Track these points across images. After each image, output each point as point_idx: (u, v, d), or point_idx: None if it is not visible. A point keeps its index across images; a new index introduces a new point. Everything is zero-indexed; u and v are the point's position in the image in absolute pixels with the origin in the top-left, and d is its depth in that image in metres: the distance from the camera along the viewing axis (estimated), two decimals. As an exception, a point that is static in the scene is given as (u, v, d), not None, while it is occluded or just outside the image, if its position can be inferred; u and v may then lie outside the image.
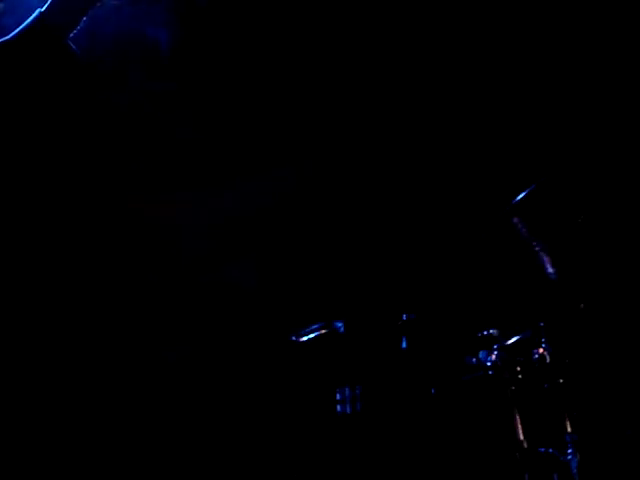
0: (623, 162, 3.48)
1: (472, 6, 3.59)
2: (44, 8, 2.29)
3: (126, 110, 3.53)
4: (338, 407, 3.22)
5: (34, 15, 2.29)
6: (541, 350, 3.05)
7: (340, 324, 3.32)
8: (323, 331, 3.33)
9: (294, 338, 3.36)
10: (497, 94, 3.70)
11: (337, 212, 3.82)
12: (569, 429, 2.91)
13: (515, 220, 3.14)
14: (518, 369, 3.07)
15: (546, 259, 3.14)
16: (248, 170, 3.76)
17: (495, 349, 3.13)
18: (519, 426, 3.00)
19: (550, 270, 3.14)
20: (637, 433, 2.98)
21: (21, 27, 2.29)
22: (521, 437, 2.99)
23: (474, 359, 3.14)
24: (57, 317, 3.51)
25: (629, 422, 3.00)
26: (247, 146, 3.75)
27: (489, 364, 3.11)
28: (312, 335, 3.33)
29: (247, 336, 3.66)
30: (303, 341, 3.34)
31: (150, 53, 3.47)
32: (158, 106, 3.57)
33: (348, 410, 3.21)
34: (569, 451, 2.86)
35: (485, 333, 3.19)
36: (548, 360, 3.03)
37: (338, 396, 3.23)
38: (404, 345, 3.27)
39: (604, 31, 3.55)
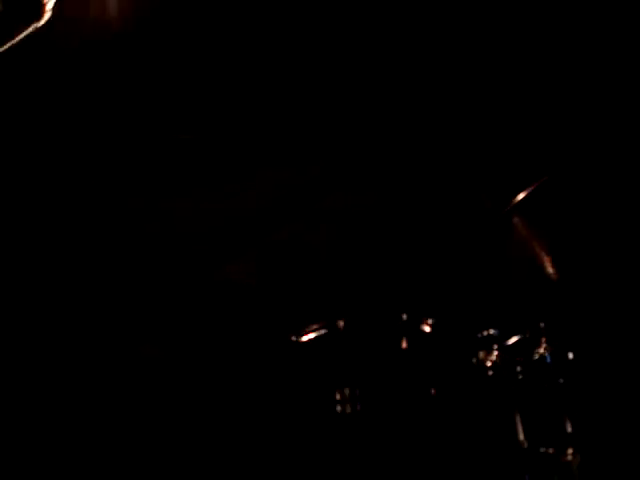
0: (623, 162, 3.48)
1: (472, 6, 3.59)
2: (42, 22, 2.29)
3: (125, 112, 3.53)
4: (338, 407, 3.22)
5: (29, 29, 2.29)
6: (541, 350, 3.06)
7: (340, 324, 3.32)
8: (323, 331, 3.33)
9: (294, 338, 3.36)
10: (497, 94, 3.70)
11: (336, 212, 3.82)
12: (570, 430, 2.92)
13: (515, 220, 3.14)
14: (518, 369, 3.07)
15: (546, 259, 3.14)
16: (248, 170, 3.76)
17: (495, 349, 3.13)
18: (519, 426, 3.00)
19: (550, 270, 3.14)
20: (637, 433, 2.98)
21: (20, 37, 2.29)
22: (521, 437, 2.99)
23: (474, 360, 3.15)
24: (56, 316, 3.52)
25: (629, 422, 3.00)
26: (247, 146, 3.75)
27: (489, 364, 3.11)
28: (312, 335, 3.33)
29: (247, 335, 3.66)
30: (303, 341, 3.34)
31: (149, 57, 3.48)
32: (157, 107, 3.57)
33: (348, 410, 3.21)
34: (570, 452, 2.87)
35: (485, 333, 3.19)
36: (548, 360, 3.03)
37: (338, 396, 3.23)
38: (404, 345, 3.27)
39: (604, 31, 3.55)
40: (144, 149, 3.64)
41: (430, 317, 3.31)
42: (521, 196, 3.09)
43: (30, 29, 2.30)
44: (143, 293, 3.64)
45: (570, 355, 3.04)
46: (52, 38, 2.43)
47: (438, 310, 3.39)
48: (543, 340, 3.07)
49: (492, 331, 3.20)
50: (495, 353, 3.13)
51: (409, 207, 3.82)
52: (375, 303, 3.59)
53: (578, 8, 3.54)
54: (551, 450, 2.92)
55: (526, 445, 2.97)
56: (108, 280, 3.62)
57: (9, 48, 2.28)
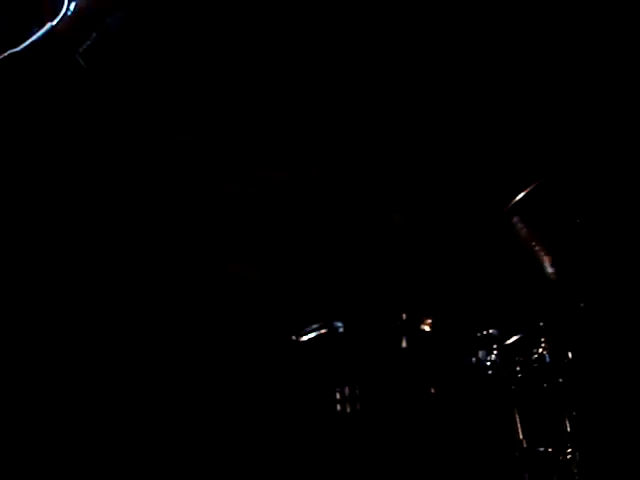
0: (623, 162, 3.48)
1: (472, 6, 3.59)
2: (55, 22, 2.30)
3: (125, 113, 3.54)
4: (338, 407, 3.23)
5: (45, 29, 2.31)
6: (541, 350, 3.06)
7: (340, 324, 3.33)
8: (323, 331, 3.33)
9: (294, 338, 3.36)
10: (497, 94, 3.70)
11: (337, 212, 3.82)
12: (569, 429, 2.91)
13: (515, 220, 3.14)
14: (518, 369, 3.07)
15: (546, 259, 3.14)
16: (248, 170, 3.77)
17: (495, 349, 3.13)
18: (519, 426, 3.00)
19: (550, 270, 3.14)
20: (637, 433, 2.98)
21: (31, 40, 2.30)
22: (521, 437, 2.99)
23: (474, 359, 3.15)
24: (56, 316, 3.52)
25: (629, 422, 3.00)
26: (249, 146, 3.75)
27: (489, 364, 3.11)
28: (312, 335, 3.34)
29: (247, 335, 3.66)
30: (303, 341, 3.35)
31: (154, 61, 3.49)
32: (157, 107, 3.58)
33: (348, 410, 3.21)
34: (569, 451, 2.87)
35: (485, 333, 3.19)
36: (548, 360, 3.03)
37: (338, 396, 3.23)
38: (404, 345, 3.28)
39: (604, 31, 3.55)
40: (144, 149, 3.65)
41: (430, 317, 3.31)
42: (521, 196, 3.09)
43: (45, 28, 2.31)
44: (143, 293, 3.65)
45: (569, 355, 3.04)
46: (52, 38, 2.43)
47: (438, 310, 3.39)
48: (542, 340, 3.06)
49: (492, 331, 3.20)
50: (495, 353, 3.13)
51: (409, 207, 3.82)
52: (375, 303, 3.60)
53: (578, 8, 3.54)
54: (550, 449, 2.92)
55: (525, 444, 2.97)
56: (108, 280, 3.62)
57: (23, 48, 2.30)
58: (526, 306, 3.32)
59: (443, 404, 3.13)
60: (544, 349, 3.03)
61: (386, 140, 3.78)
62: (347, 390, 3.21)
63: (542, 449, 2.94)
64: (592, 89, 3.60)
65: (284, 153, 3.74)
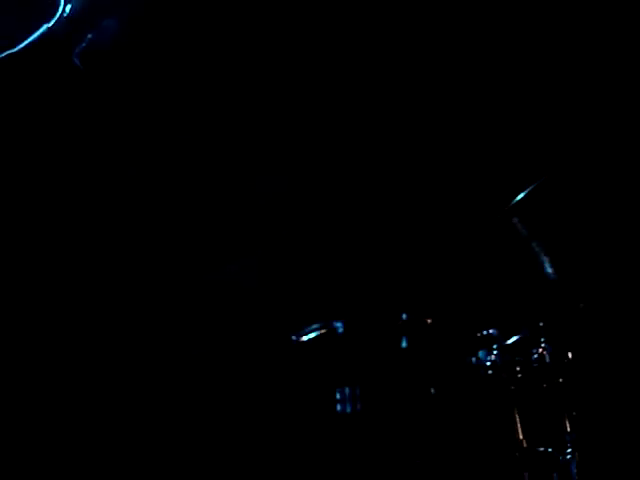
0: (623, 162, 3.48)
1: (472, 6, 3.59)
2: (51, 23, 2.31)
3: (126, 113, 3.54)
4: (338, 407, 3.23)
5: (41, 30, 2.32)
6: (541, 350, 3.06)
7: (340, 324, 3.33)
8: (323, 331, 3.33)
9: (294, 338, 3.36)
10: (497, 93, 3.70)
11: (337, 213, 3.82)
12: (569, 429, 2.92)
13: (515, 220, 3.14)
14: (517, 369, 3.07)
15: (546, 259, 3.14)
16: (248, 171, 3.77)
17: (495, 349, 3.14)
18: (518, 426, 3.00)
19: (550, 270, 3.14)
20: (637, 433, 2.98)
21: (28, 41, 2.31)
22: (521, 437, 2.99)
23: (474, 359, 3.15)
24: (53, 318, 3.52)
25: (629, 422, 3.00)
26: (249, 146, 3.76)
27: (489, 364, 3.11)
28: (312, 335, 3.34)
29: (247, 335, 3.66)
30: (303, 341, 3.35)
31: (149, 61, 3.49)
32: (158, 108, 3.58)
33: (348, 410, 3.21)
34: (568, 451, 2.87)
35: (485, 333, 3.20)
36: (547, 360, 3.03)
37: (338, 396, 3.23)
38: (404, 345, 3.28)
39: (604, 31, 3.55)
40: (145, 150, 3.65)
41: (430, 317, 3.31)
42: (521, 196, 3.09)
43: (42, 29, 2.32)
44: (143, 293, 3.65)
45: (569, 355, 3.04)
46: (49, 40, 2.44)
47: (438, 310, 3.39)
48: (542, 340, 3.07)
49: (492, 331, 3.20)
50: (495, 353, 3.13)
51: (410, 207, 3.82)
52: (375, 303, 3.60)
53: (578, 8, 3.55)
54: (550, 449, 2.93)
55: (525, 444, 2.97)
56: (107, 281, 3.62)
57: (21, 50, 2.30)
58: (526, 306, 3.32)
59: (443, 404, 3.13)
60: (544, 349, 3.04)
61: (386, 140, 3.78)
62: (347, 390, 3.21)
63: (542, 449, 2.94)
64: (592, 89, 3.60)
65: (284, 154, 3.75)
